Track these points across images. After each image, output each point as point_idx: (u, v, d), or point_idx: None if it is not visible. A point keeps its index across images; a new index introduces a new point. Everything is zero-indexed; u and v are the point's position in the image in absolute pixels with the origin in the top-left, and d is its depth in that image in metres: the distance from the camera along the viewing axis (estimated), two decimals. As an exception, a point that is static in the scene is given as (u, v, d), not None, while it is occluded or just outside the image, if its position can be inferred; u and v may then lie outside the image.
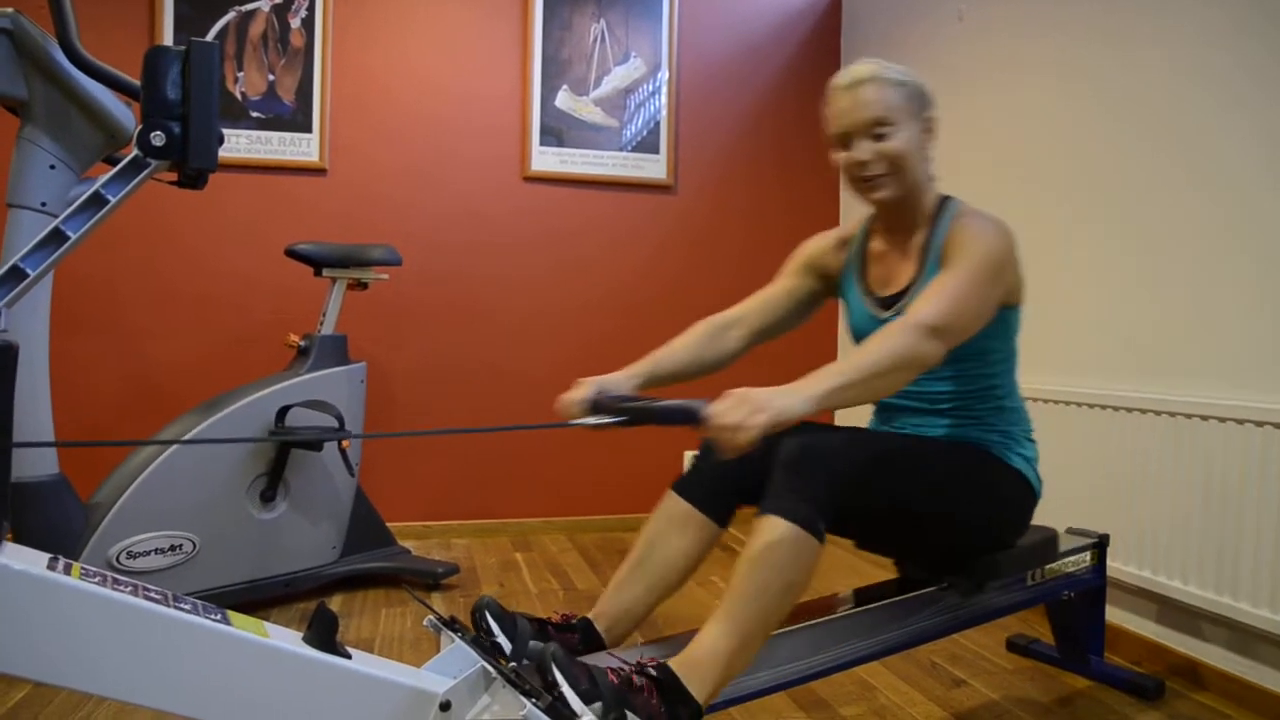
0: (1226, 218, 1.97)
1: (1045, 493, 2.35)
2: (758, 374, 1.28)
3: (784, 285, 1.74)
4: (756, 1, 3.69)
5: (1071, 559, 1.89)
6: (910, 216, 1.57)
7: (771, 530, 1.26)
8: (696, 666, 1.20)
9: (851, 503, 1.32)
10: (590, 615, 1.45)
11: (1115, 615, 2.18)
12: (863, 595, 1.60)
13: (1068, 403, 2.31)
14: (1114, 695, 1.93)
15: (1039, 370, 2.50)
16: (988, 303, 1.40)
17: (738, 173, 3.66)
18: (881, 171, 1.49)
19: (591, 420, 1.33)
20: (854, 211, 1.73)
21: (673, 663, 1.21)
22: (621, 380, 1.51)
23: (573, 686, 1.10)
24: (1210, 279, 2.00)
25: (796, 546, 1.25)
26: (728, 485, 1.51)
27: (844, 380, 1.22)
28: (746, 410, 1.13)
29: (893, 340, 1.28)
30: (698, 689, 1.19)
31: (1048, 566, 1.82)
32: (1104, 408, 2.19)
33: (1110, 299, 2.28)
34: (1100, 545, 1.95)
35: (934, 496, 1.46)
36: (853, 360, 1.25)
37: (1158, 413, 2.05)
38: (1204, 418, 1.94)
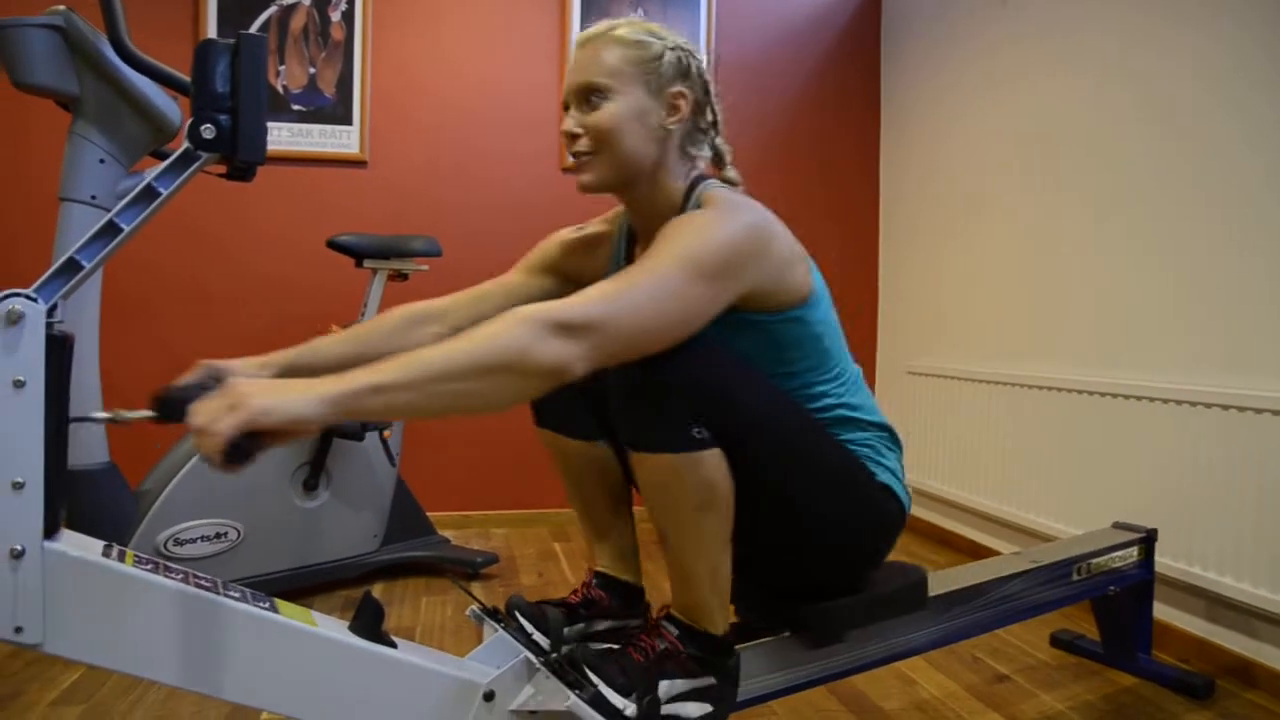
0: (1261, 218, 1.93)
1: (1092, 486, 2.34)
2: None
3: (510, 281, 1.49)
4: (795, -11, 3.65)
5: (1118, 554, 1.86)
6: (655, 210, 1.28)
7: (650, 468, 1.12)
8: (693, 605, 1.20)
9: (719, 423, 1.11)
10: (598, 568, 1.46)
11: (1163, 612, 2.14)
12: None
13: (1115, 395, 2.27)
14: (1161, 693, 1.90)
15: (1085, 364, 2.46)
16: (688, 303, 1.07)
17: (775, 163, 3.63)
18: (584, 149, 1.22)
19: (130, 414, 1.09)
20: (895, 206, 1.65)
21: (675, 611, 1.21)
22: (247, 367, 1.25)
23: (609, 684, 1.10)
24: (1261, 274, 1.95)
25: (686, 473, 1.09)
26: (588, 403, 1.35)
27: (400, 378, 0.92)
28: (224, 410, 0.87)
29: (494, 333, 0.96)
30: (708, 622, 1.19)
31: (1093, 561, 1.80)
32: (1153, 400, 2.15)
33: (1154, 292, 2.23)
34: (1148, 540, 1.91)
35: (797, 460, 1.21)
36: (427, 353, 0.95)
37: (1209, 405, 2.00)
38: (1257, 410, 1.89)
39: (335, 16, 3.20)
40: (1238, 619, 1.99)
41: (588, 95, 1.21)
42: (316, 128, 3.20)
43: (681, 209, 1.25)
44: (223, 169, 1.22)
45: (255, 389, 0.89)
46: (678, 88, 1.23)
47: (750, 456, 1.14)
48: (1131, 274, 2.32)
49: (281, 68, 3.16)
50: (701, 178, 1.30)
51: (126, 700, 1.77)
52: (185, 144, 1.13)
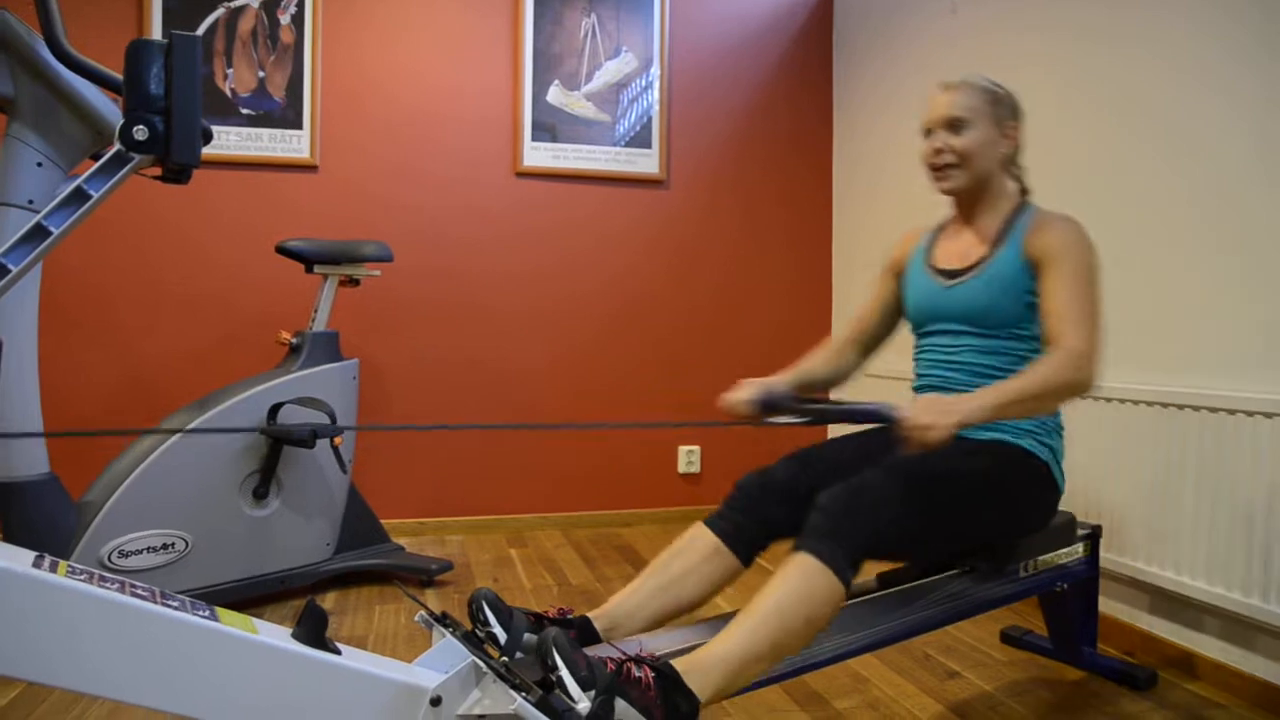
0: (1218, 214, 1.97)
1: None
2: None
3: (875, 295, 1.90)
4: (748, -5, 3.68)
5: (1064, 551, 1.89)
6: (982, 210, 1.69)
7: (804, 565, 1.30)
8: (699, 667, 1.20)
9: (887, 550, 1.41)
10: (590, 614, 1.45)
11: (1108, 606, 2.18)
12: (857, 587, 1.60)
13: (1060, 394, 2.31)
14: (1107, 686, 1.94)
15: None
16: (1100, 303, 1.52)
17: (730, 167, 3.65)
18: (949, 162, 1.64)
19: (781, 420, 1.55)
20: (846, 207, 1.74)
21: (675, 662, 1.21)
22: (783, 382, 1.70)
23: (572, 673, 1.09)
24: (1202, 270, 2.00)
25: (826, 588, 1.29)
26: (760, 528, 1.55)
27: (1015, 397, 1.37)
28: (937, 412, 1.29)
29: (1057, 369, 1.42)
30: (698, 687, 1.19)
31: (1040, 558, 1.83)
32: (1096, 399, 2.20)
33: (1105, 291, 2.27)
34: (1093, 537, 1.95)
35: (969, 521, 1.52)
36: (1024, 380, 1.39)
37: (1149, 403, 2.05)
38: (1195, 407, 1.94)
39: (284, 19, 3.16)
40: (1180, 611, 2.03)
41: (949, 124, 1.63)
42: (266, 132, 3.15)
43: (1012, 218, 1.66)
44: (157, 171, 1.20)
45: (954, 400, 1.33)
46: (1011, 122, 1.67)
47: (942, 533, 1.49)
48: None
49: (230, 71, 3.11)
50: (1027, 200, 1.71)
51: (67, 717, 1.72)
52: (117, 145, 1.11)
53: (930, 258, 1.76)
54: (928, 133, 1.68)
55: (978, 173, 1.64)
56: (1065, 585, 1.90)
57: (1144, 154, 2.16)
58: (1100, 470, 2.18)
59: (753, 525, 1.55)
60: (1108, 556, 2.08)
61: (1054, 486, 1.64)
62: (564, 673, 1.09)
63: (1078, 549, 1.92)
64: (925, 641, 2.15)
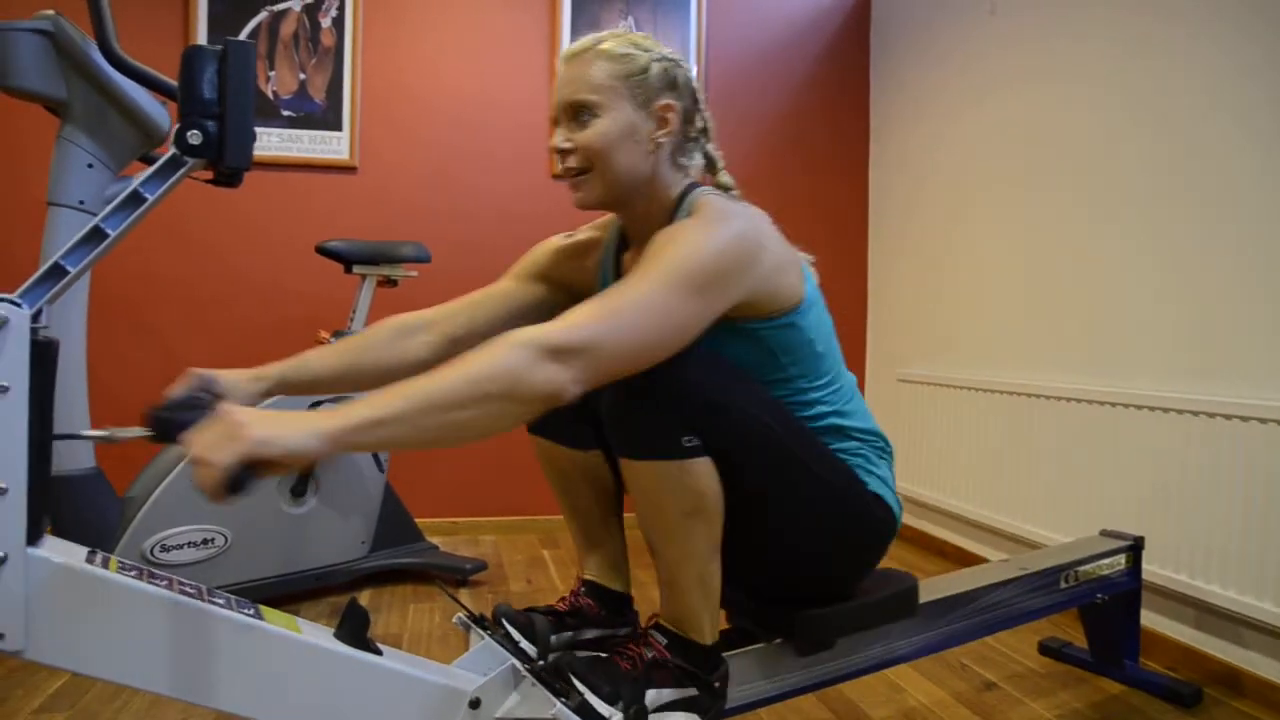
0: (1250, 224, 1.93)
1: (1080, 494, 2.35)
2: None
3: (499, 288, 1.47)
4: (786, -2, 3.67)
5: (1105, 562, 1.86)
6: (648, 221, 1.27)
7: (640, 476, 1.12)
8: (682, 614, 1.20)
9: (710, 433, 1.11)
10: (587, 576, 1.45)
11: (1151, 620, 2.15)
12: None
13: (1104, 403, 2.28)
14: (1149, 701, 1.90)
15: (1070, 370, 2.47)
16: (677, 317, 1.06)
17: (765, 172, 3.64)
18: (576, 166, 1.22)
19: (124, 433, 1.12)
20: (883, 213, 1.65)
21: (664, 620, 1.22)
22: (241, 380, 1.22)
23: (595, 692, 1.10)
24: (1250, 281, 1.97)
25: (676, 480, 1.10)
26: (582, 412, 1.29)
27: (397, 410, 0.92)
28: (223, 439, 0.87)
29: (487, 361, 0.96)
30: (696, 632, 1.19)
31: (1081, 569, 1.80)
32: (1141, 407, 2.16)
33: (1143, 300, 2.24)
34: (1135, 548, 1.92)
35: (788, 470, 1.20)
36: (420, 383, 0.94)
37: (1195, 413, 2.01)
38: (1244, 419, 1.90)
39: (326, 23, 3.20)
40: (1225, 627, 1.99)
41: (576, 112, 1.20)
42: (306, 133, 3.19)
43: (672, 217, 1.24)
44: (209, 174, 1.22)
45: (253, 419, 0.88)
46: (665, 100, 1.23)
47: (741, 465, 1.15)
48: (1121, 281, 2.33)
49: (272, 73, 3.16)
50: (693, 185, 1.30)
51: (111, 708, 1.75)
52: (172, 149, 1.13)
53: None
54: (555, 123, 1.25)
55: (620, 177, 1.22)
56: (1106, 597, 1.87)
57: (1168, 163, 2.13)
58: (1145, 480, 2.15)
59: (573, 413, 1.28)
60: (1150, 569, 2.04)
61: (889, 510, 1.32)
62: (588, 696, 1.10)
63: (1119, 560, 1.89)
64: (962, 652, 2.12)
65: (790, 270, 1.23)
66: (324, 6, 3.19)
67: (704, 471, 1.11)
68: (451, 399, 0.93)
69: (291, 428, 0.89)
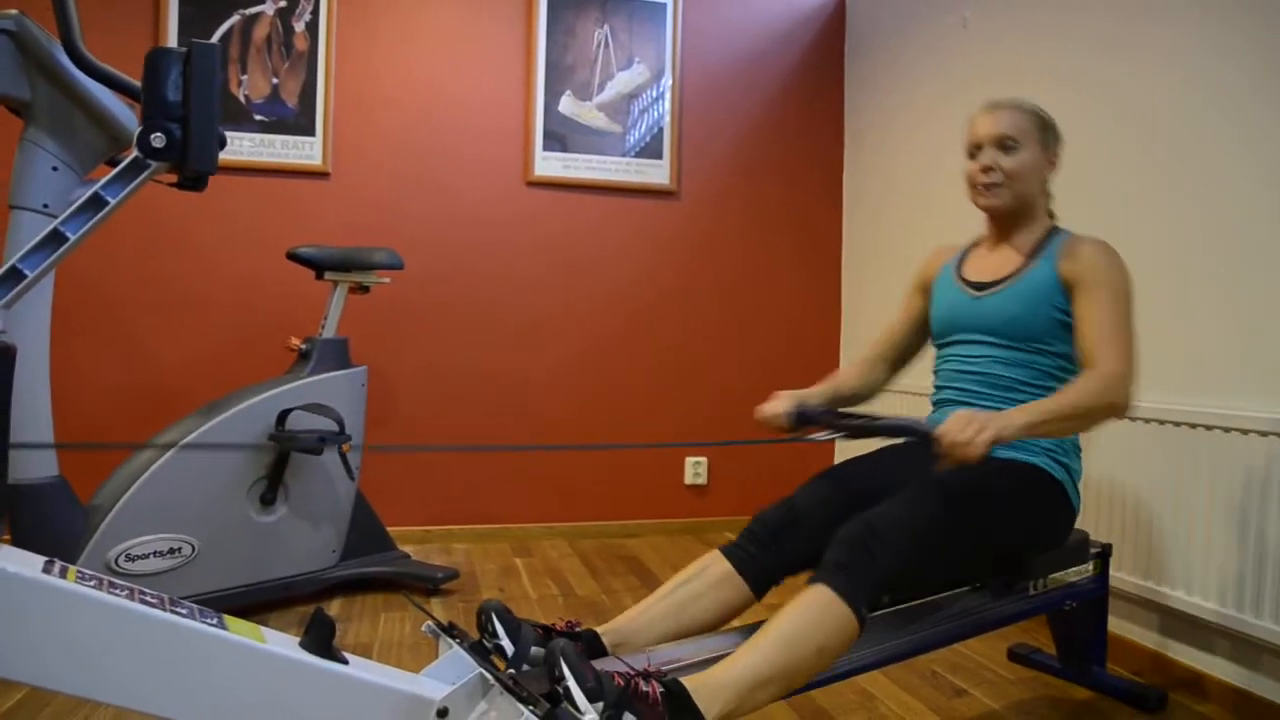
0: (1224, 228, 1.96)
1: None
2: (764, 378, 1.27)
3: (905, 310, 1.92)
4: (760, 8, 3.69)
5: (1074, 569, 1.87)
6: (1018, 230, 1.72)
7: (819, 596, 1.30)
8: (708, 687, 1.19)
9: (903, 585, 1.43)
10: (599, 629, 1.44)
11: (1118, 625, 2.17)
12: None
13: (1071, 411, 2.30)
14: (1116, 706, 1.92)
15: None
16: (1132, 325, 1.55)
17: (740, 179, 3.66)
18: (996, 180, 1.66)
19: (822, 435, 1.56)
20: (856, 220, 1.72)
21: (684, 679, 1.19)
22: (818, 395, 1.75)
23: (579, 683, 1.09)
24: (1216, 293, 1.99)
25: (840, 620, 1.29)
26: (776, 561, 1.55)
27: (1050, 416, 1.39)
28: (975, 428, 1.30)
29: (1094, 389, 1.45)
30: (705, 706, 1.17)
31: (1050, 576, 1.81)
32: (1107, 417, 2.18)
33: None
34: (1103, 555, 1.94)
35: (986, 548, 1.53)
36: (1059, 401, 1.42)
37: (1162, 422, 2.04)
38: (1208, 427, 1.93)
39: (299, 27, 3.18)
40: (1191, 632, 2.02)
41: (999, 142, 1.65)
42: (279, 138, 3.16)
43: (1045, 238, 1.69)
44: (174, 178, 1.20)
45: (988, 416, 1.32)
46: (1055, 147, 1.70)
47: (959, 559, 1.51)
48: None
49: (244, 77, 3.13)
50: (1054, 223, 1.74)
51: (71, 721, 1.72)
52: (134, 152, 1.12)
53: (961, 271, 1.79)
54: (975, 149, 1.70)
55: (1021, 193, 1.67)
56: (1074, 603, 1.89)
57: (1152, 167, 2.16)
58: (1111, 488, 2.17)
59: (769, 558, 1.55)
60: (1118, 575, 2.06)
61: (1069, 507, 1.64)
62: (571, 683, 1.08)
63: (1087, 567, 1.91)
64: (932, 659, 2.14)
65: None
66: (297, 10, 3.17)
67: (854, 633, 1.31)
68: (1079, 412, 1.43)
69: (1009, 421, 1.34)
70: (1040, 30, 2.59)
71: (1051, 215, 1.75)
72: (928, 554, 1.40)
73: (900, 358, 1.90)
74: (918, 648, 1.56)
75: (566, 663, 1.10)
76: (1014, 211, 1.70)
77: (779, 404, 1.64)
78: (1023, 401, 1.58)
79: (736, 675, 1.22)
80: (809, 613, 1.29)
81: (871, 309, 3.55)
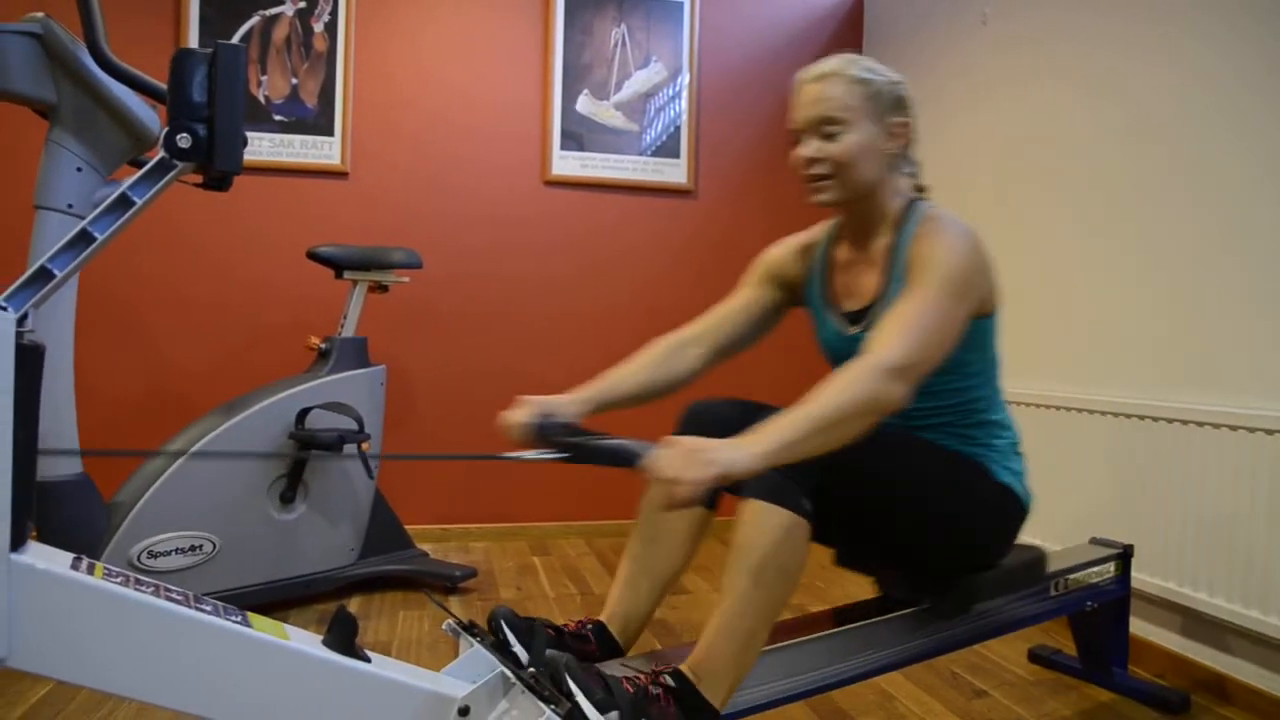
0: (1247, 230, 1.95)
1: (1070, 503, 2.35)
2: (739, 383, 1.27)
3: (743, 298, 1.65)
4: (778, 6, 3.68)
5: (1095, 569, 1.86)
6: (870, 223, 1.47)
7: (756, 517, 1.23)
8: (708, 669, 1.20)
9: (837, 487, 1.27)
10: (603, 618, 1.45)
11: (1139, 627, 2.15)
12: (881, 605, 1.59)
13: (1092, 411, 2.29)
14: (1137, 708, 1.91)
15: (1062, 379, 2.48)
16: (954, 324, 1.28)
17: (758, 177, 3.65)
18: (823, 173, 1.40)
19: (530, 454, 1.29)
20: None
21: (685, 667, 1.21)
22: (568, 404, 1.42)
23: (587, 696, 1.09)
24: (1240, 290, 1.98)
25: (785, 530, 1.22)
26: None
27: (799, 433, 1.13)
28: (691, 463, 1.06)
29: (852, 385, 1.17)
30: (712, 693, 1.19)
31: (1070, 577, 1.80)
32: (1129, 416, 2.17)
33: (1134, 308, 2.25)
34: (1124, 556, 1.93)
35: (922, 497, 1.38)
36: (809, 409, 1.15)
37: (1185, 422, 2.02)
38: (1233, 428, 1.91)
39: (318, 27, 3.19)
40: (1213, 634, 2.00)
41: (822, 126, 1.39)
42: (298, 138, 3.18)
43: (900, 223, 1.43)
44: (199, 178, 1.21)
45: (710, 446, 1.07)
46: (896, 118, 1.42)
47: (881, 492, 1.35)
48: (1113, 289, 2.34)
49: (263, 78, 3.15)
50: (910, 195, 1.48)
51: (95, 716, 1.74)
52: (161, 153, 1.13)
53: (828, 292, 1.56)
54: (797, 136, 1.44)
55: (858, 183, 1.41)
56: (1095, 604, 1.88)
57: (1163, 170, 2.14)
58: (1135, 489, 2.16)
59: None
60: (1139, 576, 2.05)
61: (1018, 503, 1.50)
62: (580, 699, 1.09)
63: (1108, 568, 1.90)
64: (952, 660, 2.13)
65: (989, 277, 1.41)
66: (316, 11, 3.19)
67: (805, 537, 1.24)
68: (836, 418, 1.15)
69: (739, 451, 1.08)
70: (1059, 29, 2.57)
71: (922, 189, 1.52)
72: (860, 454, 1.25)
73: (725, 348, 1.61)
74: (938, 648, 1.56)
75: (572, 677, 1.11)
76: (855, 205, 1.45)
77: (520, 412, 1.37)
78: (946, 435, 1.47)
79: (721, 645, 1.21)
80: (753, 540, 1.22)
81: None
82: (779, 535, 1.22)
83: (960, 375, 1.43)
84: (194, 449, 2.24)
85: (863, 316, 1.47)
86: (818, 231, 1.65)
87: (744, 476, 1.08)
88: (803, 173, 1.43)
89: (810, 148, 1.40)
